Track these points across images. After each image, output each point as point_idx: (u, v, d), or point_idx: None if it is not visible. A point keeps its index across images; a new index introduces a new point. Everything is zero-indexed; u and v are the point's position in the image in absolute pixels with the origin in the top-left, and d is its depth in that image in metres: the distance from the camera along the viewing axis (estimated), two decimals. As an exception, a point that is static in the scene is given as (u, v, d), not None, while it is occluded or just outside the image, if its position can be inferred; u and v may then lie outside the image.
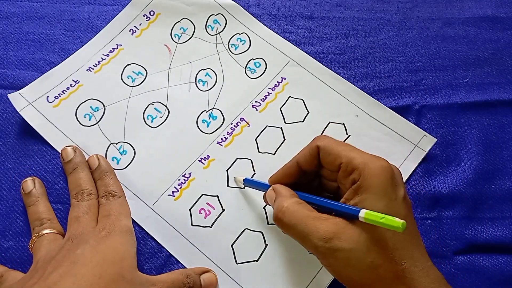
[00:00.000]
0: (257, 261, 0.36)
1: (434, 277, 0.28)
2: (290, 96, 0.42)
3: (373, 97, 0.42)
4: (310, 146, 0.32)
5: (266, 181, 0.35)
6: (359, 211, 0.27)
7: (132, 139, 0.40)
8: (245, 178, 0.37)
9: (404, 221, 0.24)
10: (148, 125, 0.40)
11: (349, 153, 0.30)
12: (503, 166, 0.40)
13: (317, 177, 0.34)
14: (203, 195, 0.38)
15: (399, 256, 0.27)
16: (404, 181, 0.39)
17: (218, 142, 0.40)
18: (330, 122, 0.41)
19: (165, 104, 0.41)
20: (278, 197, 0.31)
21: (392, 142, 0.40)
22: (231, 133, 0.40)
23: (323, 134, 0.41)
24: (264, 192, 0.35)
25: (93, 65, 0.42)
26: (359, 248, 0.27)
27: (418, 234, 0.29)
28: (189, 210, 0.37)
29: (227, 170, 0.39)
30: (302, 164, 0.32)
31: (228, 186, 0.38)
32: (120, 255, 0.31)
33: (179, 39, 0.44)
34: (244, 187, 0.38)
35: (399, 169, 0.39)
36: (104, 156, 0.39)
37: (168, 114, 0.41)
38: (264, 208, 0.38)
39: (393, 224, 0.24)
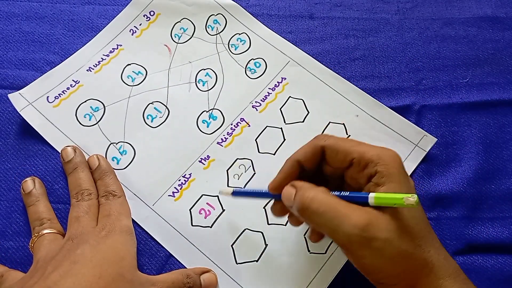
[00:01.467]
0: (257, 261, 0.36)
1: (454, 265, 0.28)
2: (290, 96, 0.42)
3: (373, 97, 0.42)
4: (313, 145, 0.31)
5: (258, 188, 0.34)
6: (368, 195, 0.27)
7: (132, 139, 0.40)
8: (234, 191, 0.35)
9: (416, 195, 0.25)
10: (148, 125, 0.40)
11: (359, 148, 0.29)
12: (503, 166, 0.40)
13: (315, 176, 0.33)
14: (203, 195, 0.38)
15: (425, 244, 0.27)
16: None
17: (218, 143, 0.40)
18: (330, 122, 0.41)
19: (165, 104, 0.41)
20: (300, 190, 0.29)
21: (392, 142, 0.40)
22: (231, 133, 0.40)
23: (325, 132, 0.41)
24: (266, 200, 0.35)
25: (93, 65, 0.42)
26: (393, 237, 0.26)
27: (430, 226, 0.29)
28: (189, 210, 0.37)
29: (227, 170, 0.39)
30: (304, 163, 0.31)
31: (228, 186, 0.38)
32: (120, 255, 0.31)
33: (179, 39, 0.44)
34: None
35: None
36: (104, 156, 0.39)
37: (168, 114, 0.41)
38: (264, 208, 0.38)
39: (407, 199, 0.25)
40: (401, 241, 0.26)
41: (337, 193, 0.28)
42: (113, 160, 0.39)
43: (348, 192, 0.28)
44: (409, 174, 0.39)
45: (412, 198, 0.25)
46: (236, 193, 0.35)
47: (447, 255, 0.28)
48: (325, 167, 0.32)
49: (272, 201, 0.33)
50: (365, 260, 0.27)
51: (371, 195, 0.27)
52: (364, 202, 0.27)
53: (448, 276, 0.27)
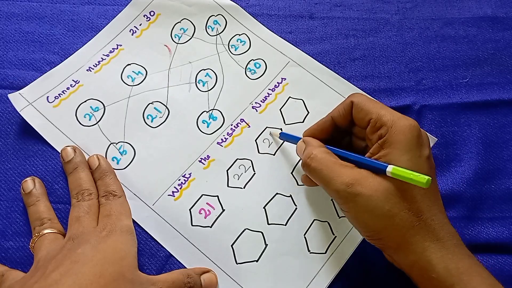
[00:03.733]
0: (257, 261, 0.36)
1: (449, 231, 0.29)
2: (290, 97, 0.42)
3: (373, 97, 0.42)
4: (345, 102, 0.34)
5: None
6: (387, 166, 0.28)
7: (132, 139, 0.40)
8: (282, 132, 0.39)
9: (429, 177, 0.26)
10: (148, 125, 0.40)
11: (380, 110, 0.31)
12: (503, 166, 0.40)
13: (348, 136, 0.36)
14: (203, 195, 0.38)
15: (416, 208, 0.29)
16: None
17: (218, 143, 0.40)
18: (330, 122, 0.41)
19: (165, 104, 0.41)
20: (307, 147, 0.33)
21: (392, 142, 0.40)
22: (231, 133, 0.40)
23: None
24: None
25: (93, 65, 0.42)
26: (378, 196, 0.28)
27: (438, 193, 0.31)
28: (189, 210, 0.37)
29: (227, 171, 0.39)
30: (336, 119, 0.34)
31: (228, 186, 0.38)
32: (121, 254, 0.31)
33: (179, 39, 0.44)
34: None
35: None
36: (104, 156, 0.39)
37: (168, 114, 0.41)
38: (264, 208, 0.38)
39: (419, 180, 0.26)
40: (386, 201, 0.28)
41: (356, 156, 0.31)
42: (113, 160, 0.39)
43: (365, 159, 0.31)
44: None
45: (422, 179, 0.26)
46: (283, 134, 0.39)
47: (445, 223, 0.30)
48: (353, 126, 0.35)
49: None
50: (351, 213, 0.30)
51: (388, 168, 0.28)
52: (381, 170, 0.29)
53: (436, 240, 0.29)
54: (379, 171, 0.29)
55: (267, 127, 0.41)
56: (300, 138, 0.36)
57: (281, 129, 0.40)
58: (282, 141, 0.40)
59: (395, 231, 0.29)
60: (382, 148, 0.30)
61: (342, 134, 0.36)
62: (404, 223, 0.28)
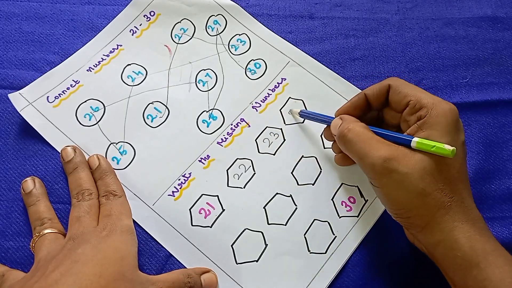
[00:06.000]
0: (257, 261, 0.36)
1: (477, 215, 0.30)
2: (290, 97, 0.42)
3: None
4: (382, 83, 0.34)
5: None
6: (412, 138, 0.29)
7: (132, 139, 0.40)
8: (302, 110, 0.40)
9: (454, 148, 0.28)
10: (148, 125, 0.40)
11: (419, 93, 0.32)
12: (503, 166, 0.40)
13: (377, 120, 0.37)
14: (203, 195, 0.38)
15: (449, 190, 0.29)
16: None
17: (218, 142, 0.40)
18: (330, 122, 0.41)
19: (165, 104, 0.41)
20: (344, 122, 0.33)
21: (392, 142, 0.40)
22: (231, 133, 0.40)
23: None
24: (326, 125, 0.37)
25: (93, 65, 0.42)
26: (414, 174, 0.29)
27: (468, 180, 0.32)
28: (189, 210, 0.37)
29: (227, 170, 0.39)
30: (370, 98, 0.34)
31: (228, 186, 0.38)
32: (121, 254, 0.31)
33: (179, 39, 0.44)
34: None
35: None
36: (104, 156, 0.39)
37: (168, 114, 0.41)
38: (264, 208, 0.38)
39: (444, 152, 0.28)
40: (421, 180, 0.29)
41: (385, 132, 0.32)
42: (113, 160, 0.39)
43: (395, 133, 0.31)
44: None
45: (448, 147, 0.28)
46: (303, 113, 0.40)
47: (474, 207, 0.31)
48: (386, 112, 0.35)
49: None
50: (385, 189, 0.30)
51: (414, 139, 0.29)
52: (407, 145, 0.30)
53: (464, 220, 0.29)
54: (406, 145, 0.30)
55: (267, 126, 0.41)
56: (326, 116, 0.37)
57: (303, 108, 0.41)
58: (302, 119, 0.41)
59: (426, 210, 0.29)
60: (421, 129, 0.30)
61: (372, 115, 0.36)
62: (436, 203, 0.29)
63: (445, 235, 0.29)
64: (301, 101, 0.42)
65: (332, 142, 0.39)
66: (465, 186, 0.31)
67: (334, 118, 0.36)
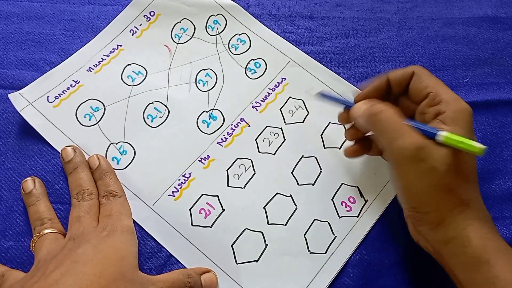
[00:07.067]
0: (257, 261, 0.36)
1: (486, 214, 0.31)
2: (290, 97, 0.42)
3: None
4: (406, 69, 0.33)
5: None
6: (439, 132, 0.29)
7: (132, 139, 0.40)
8: (321, 93, 0.38)
9: (485, 146, 0.27)
10: (148, 125, 0.40)
11: (441, 87, 0.31)
12: (503, 166, 0.40)
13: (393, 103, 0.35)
14: (203, 195, 0.38)
15: (467, 188, 0.30)
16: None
17: (218, 142, 0.40)
18: (330, 122, 0.41)
19: (165, 104, 0.41)
20: (375, 103, 0.32)
21: (392, 142, 0.40)
22: (231, 133, 0.40)
23: (324, 132, 0.41)
24: (343, 109, 0.36)
25: (94, 65, 0.42)
26: (441, 168, 0.28)
27: (477, 181, 0.32)
28: (189, 210, 0.37)
29: (227, 170, 0.39)
30: (392, 82, 0.34)
31: (228, 186, 0.38)
32: (121, 254, 0.31)
33: (179, 39, 0.44)
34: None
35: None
36: (104, 156, 0.39)
37: (168, 114, 0.41)
38: (264, 208, 0.38)
39: (473, 150, 0.27)
40: (446, 175, 0.28)
41: (411, 121, 0.31)
42: (113, 160, 0.39)
43: (422, 124, 0.30)
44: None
45: (480, 145, 0.27)
46: (323, 95, 0.38)
47: (483, 206, 0.31)
48: (402, 101, 0.35)
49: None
50: (408, 178, 0.29)
51: (442, 132, 0.29)
52: (432, 138, 0.29)
53: (477, 219, 0.30)
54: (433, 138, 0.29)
55: (267, 126, 0.41)
56: (341, 98, 0.37)
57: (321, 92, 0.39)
58: (318, 99, 0.39)
59: (445, 206, 0.29)
60: (444, 123, 0.30)
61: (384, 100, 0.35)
62: (455, 200, 0.29)
63: (458, 233, 0.29)
64: (301, 100, 0.42)
65: (348, 126, 0.37)
66: (477, 186, 0.31)
67: (354, 103, 0.35)
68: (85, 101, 0.40)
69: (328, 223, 0.38)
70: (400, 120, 0.30)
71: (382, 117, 0.31)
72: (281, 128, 0.41)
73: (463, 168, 0.30)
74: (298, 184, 0.39)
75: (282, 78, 0.43)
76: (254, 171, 0.39)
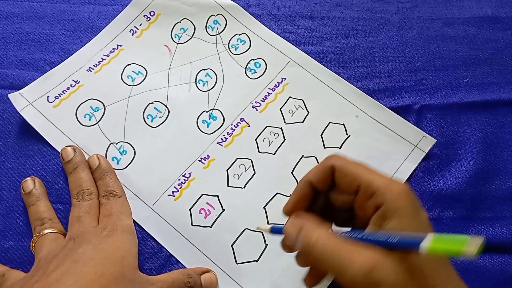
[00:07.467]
0: (257, 261, 0.36)
1: None
2: (290, 97, 0.42)
3: (373, 97, 0.42)
4: (324, 165, 0.29)
5: None
6: (422, 241, 0.22)
7: (132, 139, 0.40)
8: (273, 226, 0.32)
9: (480, 241, 0.20)
10: (148, 125, 0.40)
11: (368, 175, 0.27)
12: (503, 166, 0.40)
13: (323, 195, 0.31)
14: (203, 195, 0.38)
15: (432, 281, 0.25)
16: (404, 182, 0.39)
17: (218, 142, 0.40)
18: (330, 122, 0.41)
19: (165, 104, 0.41)
20: (306, 227, 0.27)
21: (392, 143, 0.40)
22: (231, 133, 0.40)
23: (324, 132, 0.41)
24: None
25: (94, 65, 0.42)
26: (400, 281, 0.24)
27: (449, 263, 0.27)
28: (189, 210, 0.37)
29: (227, 170, 0.39)
30: (315, 183, 0.29)
31: (228, 186, 0.38)
32: (122, 254, 0.31)
33: (179, 39, 0.44)
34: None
35: (399, 169, 0.39)
36: (104, 156, 0.39)
37: (168, 114, 0.41)
38: (264, 208, 0.38)
39: (462, 254, 0.20)
40: (410, 284, 0.24)
41: (355, 233, 0.26)
42: (113, 160, 0.39)
43: (371, 234, 0.26)
44: (408, 174, 0.39)
45: (469, 248, 0.20)
46: (275, 229, 0.32)
47: (460, 287, 0.26)
48: (335, 195, 0.30)
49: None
50: None
51: (423, 244, 0.22)
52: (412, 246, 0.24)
53: None
54: (413, 249, 0.23)
55: (267, 126, 0.41)
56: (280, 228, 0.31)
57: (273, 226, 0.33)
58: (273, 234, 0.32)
59: None
60: (386, 218, 0.26)
61: (320, 197, 0.31)
62: None
63: None
64: (301, 100, 0.42)
65: (295, 253, 0.31)
66: (450, 271, 0.26)
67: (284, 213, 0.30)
68: (85, 101, 0.41)
69: (328, 223, 0.37)
70: (337, 247, 0.25)
71: (317, 254, 0.26)
72: (281, 128, 0.41)
73: (424, 265, 0.25)
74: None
75: (282, 78, 0.43)
76: (254, 171, 0.39)
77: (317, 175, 0.29)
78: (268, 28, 0.45)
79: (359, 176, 0.27)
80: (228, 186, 0.38)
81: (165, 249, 0.36)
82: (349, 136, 0.41)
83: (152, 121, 0.40)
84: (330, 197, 0.30)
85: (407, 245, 0.24)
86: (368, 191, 0.27)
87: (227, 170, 0.39)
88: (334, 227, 0.30)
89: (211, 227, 0.37)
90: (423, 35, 0.46)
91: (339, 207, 0.30)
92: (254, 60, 0.44)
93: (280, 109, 0.42)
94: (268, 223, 0.37)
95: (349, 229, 0.28)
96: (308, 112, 0.42)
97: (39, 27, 0.43)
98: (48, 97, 0.40)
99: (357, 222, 0.29)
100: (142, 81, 0.42)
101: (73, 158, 0.37)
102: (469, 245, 0.20)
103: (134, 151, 0.39)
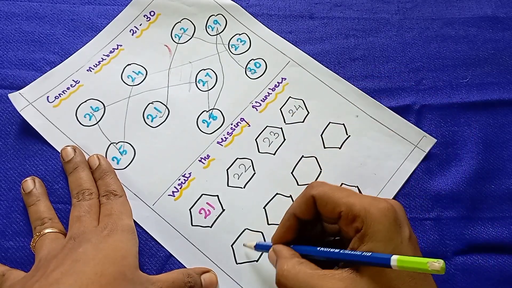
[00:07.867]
0: (257, 261, 0.36)
1: None
2: (290, 97, 0.42)
3: (373, 97, 0.42)
4: (305, 196, 0.30)
5: None
6: (390, 259, 0.24)
7: (132, 139, 0.40)
8: (257, 244, 0.34)
9: (442, 261, 0.22)
10: (148, 125, 0.40)
11: (348, 200, 0.28)
12: (503, 166, 0.40)
13: (319, 222, 0.32)
14: (203, 195, 0.38)
15: None
16: (403, 183, 0.39)
17: (218, 142, 0.40)
18: (330, 122, 0.41)
19: (165, 104, 0.41)
20: (278, 260, 0.29)
21: (392, 143, 0.40)
22: (231, 133, 0.40)
23: (324, 132, 0.41)
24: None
25: (94, 65, 0.42)
26: None
27: (429, 276, 0.27)
28: (189, 210, 0.37)
29: (227, 170, 0.39)
30: (300, 215, 0.30)
31: (228, 185, 0.38)
32: (122, 253, 0.31)
33: (179, 39, 0.44)
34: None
35: (399, 169, 0.39)
36: (104, 156, 0.39)
37: (168, 114, 0.41)
38: (264, 208, 0.38)
39: (434, 268, 0.22)
40: None
41: (358, 254, 0.26)
42: (113, 160, 0.39)
43: (348, 252, 0.27)
44: (408, 174, 0.39)
45: (438, 263, 0.21)
46: (259, 246, 0.34)
47: None
48: (325, 223, 0.31)
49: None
50: None
51: (393, 261, 0.23)
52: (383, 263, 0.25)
53: None
54: (384, 266, 0.24)
55: (267, 126, 0.41)
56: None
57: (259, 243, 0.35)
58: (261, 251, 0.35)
59: None
60: (362, 242, 0.26)
61: (312, 223, 0.31)
62: None
63: None
64: (301, 100, 0.42)
65: None
66: (424, 280, 0.26)
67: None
68: (85, 101, 0.41)
69: (328, 223, 0.37)
70: (306, 278, 0.26)
71: (289, 285, 0.27)
72: (281, 128, 0.41)
73: (395, 284, 0.25)
74: (298, 184, 0.39)
75: (282, 78, 0.43)
76: (254, 171, 0.39)
77: (299, 208, 0.30)
78: (268, 28, 0.45)
79: (340, 203, 0.28)
80: (228, 186, 0.38)
81: (165, 249, 0.36)
82: (349, 136, 0.41)
83: (152, 121, 0.40)
84: (322, 224, 0.32)
85: (376, 261, 0.24)
86: (350, 216, 0.27)
87: (227, 170, 0.39)
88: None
89: (211, 227, 0.37)
90: (423, 35, 0.46)
91: (332, 233, 0.31)
92: (254, 60, 0.44)
93: (280, 109, 0.42)
94: (268, 224, 0.37)
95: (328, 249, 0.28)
96: (308, 112, 0.42)
97: (39, 27, 0.43)
98: (48, 97, 0.40)
99: (344, 241, 0.29)
100: (142, 81, 0.42)
101: (73, 158, 0.37)
102: (431, 266, 0.21)
103: (134, 151, 0.39)
